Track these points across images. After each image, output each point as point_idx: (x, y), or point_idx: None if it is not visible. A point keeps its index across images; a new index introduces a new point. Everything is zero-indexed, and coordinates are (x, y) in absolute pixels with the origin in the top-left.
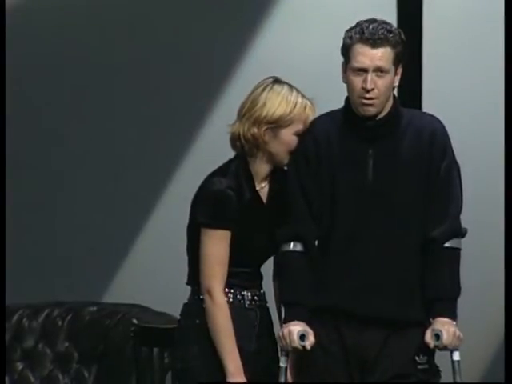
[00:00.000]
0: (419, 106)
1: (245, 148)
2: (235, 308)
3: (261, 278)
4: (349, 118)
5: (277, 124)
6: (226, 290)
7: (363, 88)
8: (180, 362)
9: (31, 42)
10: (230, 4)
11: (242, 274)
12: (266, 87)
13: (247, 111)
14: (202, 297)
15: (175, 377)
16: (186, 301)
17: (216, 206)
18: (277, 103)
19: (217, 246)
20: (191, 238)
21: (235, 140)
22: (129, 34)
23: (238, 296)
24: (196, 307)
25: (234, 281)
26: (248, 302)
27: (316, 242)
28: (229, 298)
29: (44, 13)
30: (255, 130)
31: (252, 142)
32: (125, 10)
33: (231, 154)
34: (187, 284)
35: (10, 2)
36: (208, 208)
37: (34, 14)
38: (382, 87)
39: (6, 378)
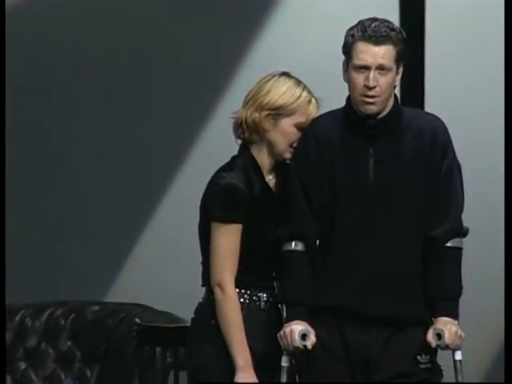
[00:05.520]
0: (421, 105)
1: (246, 134)
2: (251, 309)
3: (273, 277)
4: (350, 116)
5: (278, 112)
6: (242, 291)
7: (365, 86)
8: (195, 361)
9: (31, 41)
10: (232, 3)
11: (255, 271)
12: (273, 77)
13: (252, 98)
14: None
15: (189, 375)
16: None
17: (227, 200)
18: (281, 92)
19: (228, 239)
20: (204, 237)
21: (238, 126)
22: (130, 32)
23: (254, 298)
24: (211, 308)
25: (248, 280)
26: (263, 304)
27: (317, 241)
28: (245, 299)
29: (44, 13)
30: (256, 115)
31: (253, 127)
32: (127, 8)
33: (234, 152)
34: (202, 286)
35: (10, 2)
36: (219, 202)
37: (34, 13)
38: (383, 85)
39: (9, 378)
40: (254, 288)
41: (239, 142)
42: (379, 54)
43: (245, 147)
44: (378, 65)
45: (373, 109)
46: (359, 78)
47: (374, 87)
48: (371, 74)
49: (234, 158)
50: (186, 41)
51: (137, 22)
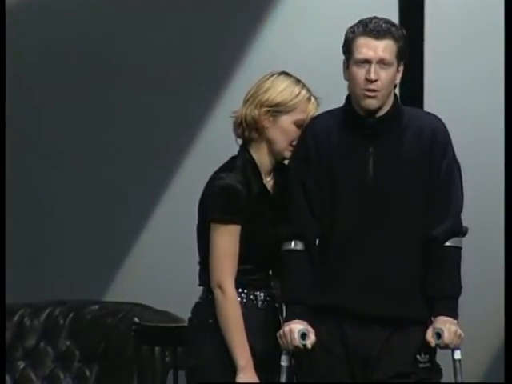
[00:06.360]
0: (421, 105)
1: (245, 133)
2: (248, 308)
3: (270, 276)
4: (349, 115)
5: (277, 108)
6: (240, 290)
7: (367, 79)
8: (193, 360)
9: (31, 41)
10: (232, 2)
11: (253, 271)
12: (272, 75)
13: (251, 96)
14: None
15: (187, 375)
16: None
17: (226, 201)
18: (280, 89)
19: (227, 240)
20: (202, 237)
21: (238, 124)
22: (130, 31)
23: (252, 296)
24: (209, 307)
25: (246, 280)
26: (261, 303)
27: (317, 241)
28: (242, 298)
29: (44, 12)
30: (256, 112)
31: (252, 125)
32: (127, 7)
33: (233, 152)
34: (200, 285)
35: (10, 2)
36: (218, 203)
37: (35, 13)
38: (384, 79)
39: (8, 377)
40: (252, 287)
41: (239, 141)
42: (380, 47)
43: (244, 147)
44: (379, 58)
45: (373, 103)
46: (360, 73)
47: (376, 80)
48: (372, 68)
49: (233, 159)
50: (185, 40)
51: (137, 21)
